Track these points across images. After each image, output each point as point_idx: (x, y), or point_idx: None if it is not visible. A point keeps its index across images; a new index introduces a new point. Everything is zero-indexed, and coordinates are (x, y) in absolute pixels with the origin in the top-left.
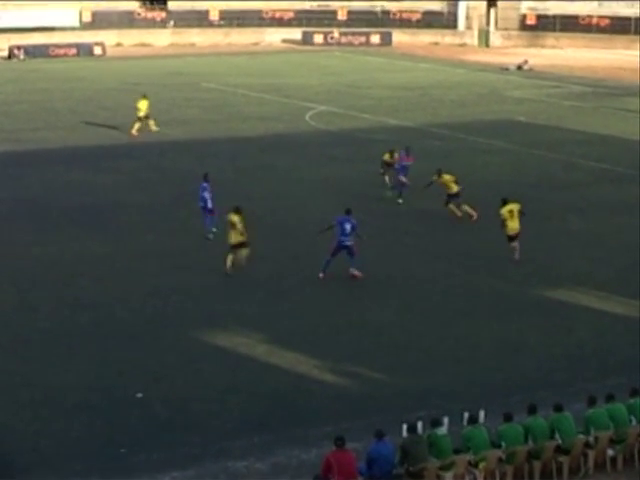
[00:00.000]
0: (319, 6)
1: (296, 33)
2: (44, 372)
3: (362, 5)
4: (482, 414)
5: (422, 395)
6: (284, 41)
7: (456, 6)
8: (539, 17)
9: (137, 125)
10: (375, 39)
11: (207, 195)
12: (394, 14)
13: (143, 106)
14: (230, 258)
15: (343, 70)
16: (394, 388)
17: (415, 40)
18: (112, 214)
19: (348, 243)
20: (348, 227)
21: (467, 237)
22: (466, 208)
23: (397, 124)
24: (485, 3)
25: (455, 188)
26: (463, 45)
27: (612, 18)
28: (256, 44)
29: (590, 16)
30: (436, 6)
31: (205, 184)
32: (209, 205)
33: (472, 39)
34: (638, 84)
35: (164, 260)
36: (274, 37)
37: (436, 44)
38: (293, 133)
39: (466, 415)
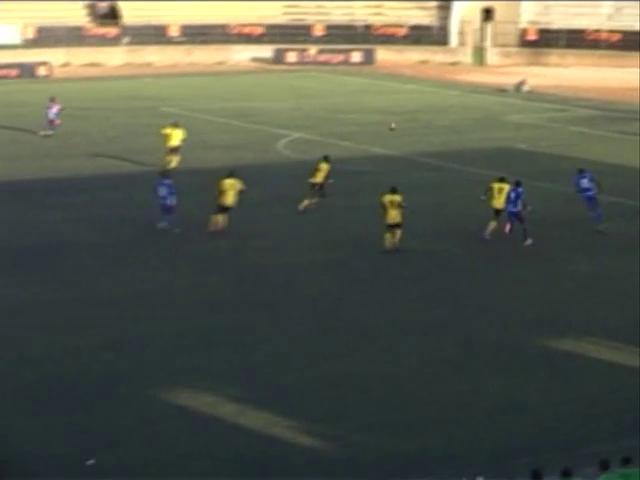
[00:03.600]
0: (293, 20)
1: (267, 51)
2: None
3: (341, 19)
4: None
5: (411, 459)
6: (253, 60)
7: (447, 20)
8: (541, 32)
9: (174, 157)
10: (356, 57)
11: (165, 191)
12: (377, 29)
13: (177, 136)
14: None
15: (320, 92)
16: (379, 451)
17: (401, 58)
18: (61, 256)
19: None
20: (513, 195)
21: (462, 281)
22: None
23: (382, 153)
24: (480, 16)
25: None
26: (456, 64)
27: (624, 33)
28: (221, 63)
29: (598, 31)
30: (425, 20)
31: (166, 180)
32: (168, 202)
33: (466, 57)
34: None
35: (119, 307)
36: (242, 55)
37: (425, 62)
38: (263, 164)
39: None
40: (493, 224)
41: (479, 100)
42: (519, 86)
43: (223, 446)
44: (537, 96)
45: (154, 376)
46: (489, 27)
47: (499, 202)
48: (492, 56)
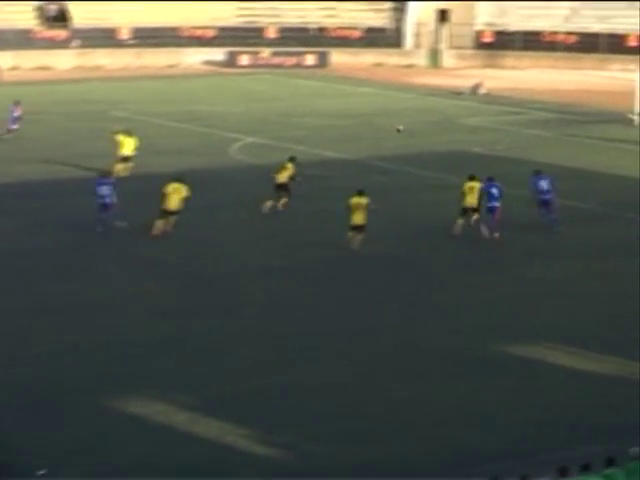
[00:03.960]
0: (245, 23)
1: (219, 54)
2: None
3: (295, 22)
4: None
5: (366, 468)
6: (205, 63)
7: (402, 22)
8: (497, 34)
9: (125, 166)
10: (310, 60)
11: (106, 191)
12: (331, 31)
13: (130, 145)
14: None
15: (273, 95)
16: (333, 460)
17: (355, 61)
18: (10, 262)
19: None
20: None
21: (418, 286)
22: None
23: (336, 157)
24: (435, 18)
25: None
26: (410, 66)
27: (580, 34)
28: (173, 66)
29: (555, 32)
30: (379, 22)
31: (106, 180)
32: (108, 200)
33: (421, 59)
34: (609, 109)
35: (70, 315)
36: (194, 58)
37: (379, 65)
38: (215, 168)
39: None
40: (460, 222)
41: (434, 103)
42: (475, 89)
43: (177, 455)
44: (493, 99)
45: (106, 384)
46: (444, 29)
47: (469, 201)
48: (447, 58)
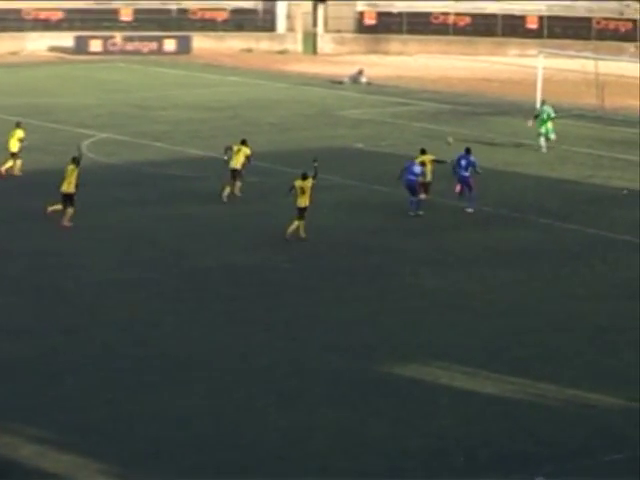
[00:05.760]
0: (96, 4)
1: (67, 39)
2: None
3: (152, 2)
4: None
5: None
6: (51, 49)
7: (274, 3)
8: (380, 15)
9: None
10: (170, 45)
11: None
12: (194, 13)
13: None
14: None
15: (129, 86)
16: None
17: (221, 46)
18: None
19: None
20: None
21: (293, 300)
22: None
23: (200, 155)
24: None
25: None
26: (284, 52)
27: (474, 16)
28: (15, 53)
29: (446, 14)
30: (248, 3)
31: None
32: None
33: (295, 44)
34: (508, 100)
35: None
36: (38, 44)
37: (249, 51)
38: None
39: None
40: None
41: (311, 93)
42: (356, 77)
43: None
44: (377, 88)
45: None
46: (321, 10)
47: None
48: (325, 43)
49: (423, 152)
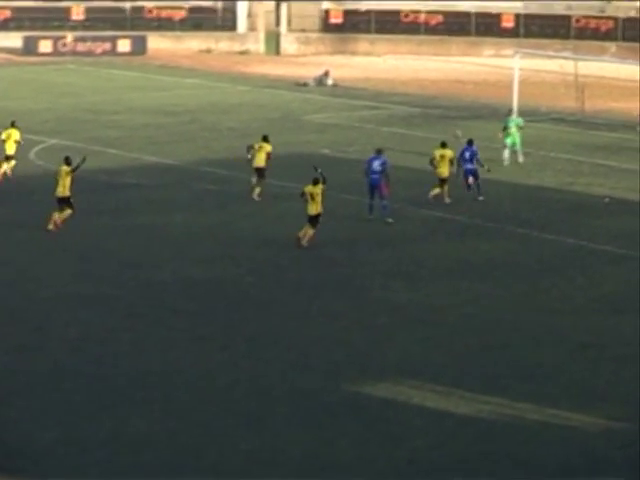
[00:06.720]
0: (46, 2)
1: (15, 39)
2: None
3: (105, 2)
4: None
5: None
6: None
7: (234, 1)
8: (347, 14)
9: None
10: (124, 46)
11: None
12: (149, 12)
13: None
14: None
15: (80, 89)
16: None
17: (179, 47)
18: None
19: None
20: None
21: (256, 315)
22: None
23: (156, 162)
24: None
25: None
26: (245, 53)
27: (446, 14)
28: None
29: (416, 12)
30: (207, 2)
31: None
32: None
33: (257, 44)
34: (482, 102)
35: None
36: None
37: (208, 52)
38: (13, 176)
39: None
40: (437, 190)
41: (274, 97)
42: (322, 79)
43: None
44: (344, 91)
45: None
46: (284, 8)
47: (443, 171)
48: (288, 43)
49: (444, 145)
